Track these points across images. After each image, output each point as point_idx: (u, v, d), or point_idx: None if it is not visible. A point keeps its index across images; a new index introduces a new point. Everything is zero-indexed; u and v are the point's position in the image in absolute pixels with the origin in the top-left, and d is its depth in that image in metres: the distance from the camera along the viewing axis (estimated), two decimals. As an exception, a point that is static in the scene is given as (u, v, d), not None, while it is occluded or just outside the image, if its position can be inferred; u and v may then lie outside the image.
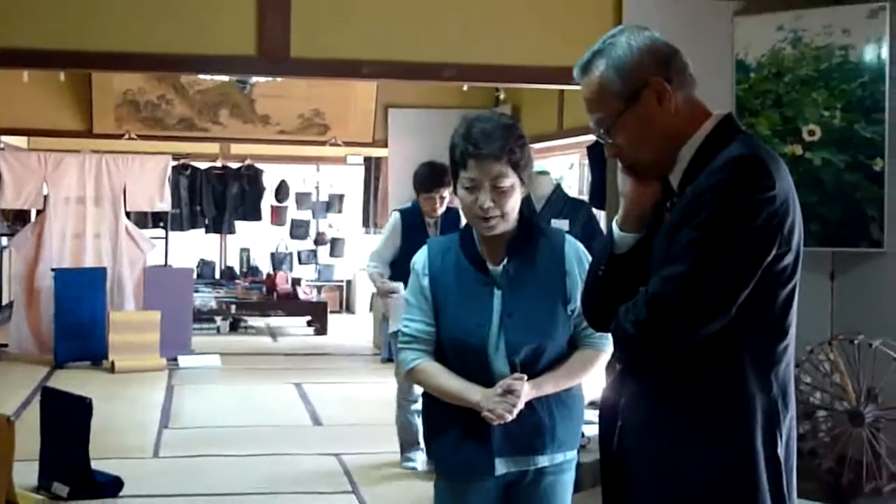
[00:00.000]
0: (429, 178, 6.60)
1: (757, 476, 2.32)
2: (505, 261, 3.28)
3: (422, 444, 6.49)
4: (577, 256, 3.33)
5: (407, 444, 6.99)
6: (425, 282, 3.33)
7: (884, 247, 5.02)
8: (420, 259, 3.38)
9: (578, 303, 3.23)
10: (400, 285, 6.27)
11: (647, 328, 2.32)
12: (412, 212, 6.80)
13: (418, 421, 6.58)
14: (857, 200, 5.03)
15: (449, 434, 3.30)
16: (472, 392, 3.18)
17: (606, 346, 3.27)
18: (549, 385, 3.22)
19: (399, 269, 6.35)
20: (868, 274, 5.17)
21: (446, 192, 6.47)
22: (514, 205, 3.22)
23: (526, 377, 3.15)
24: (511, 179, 3.19)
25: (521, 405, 3.11)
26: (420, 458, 6.86)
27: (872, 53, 4.99)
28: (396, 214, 6.92)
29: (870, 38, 4.97)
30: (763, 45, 5.13)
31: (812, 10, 5.09)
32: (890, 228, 4.99)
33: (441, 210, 6.62)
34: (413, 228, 6.64)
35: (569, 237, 3.42)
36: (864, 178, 5.01)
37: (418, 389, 6.27)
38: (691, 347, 2.31)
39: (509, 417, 3.11)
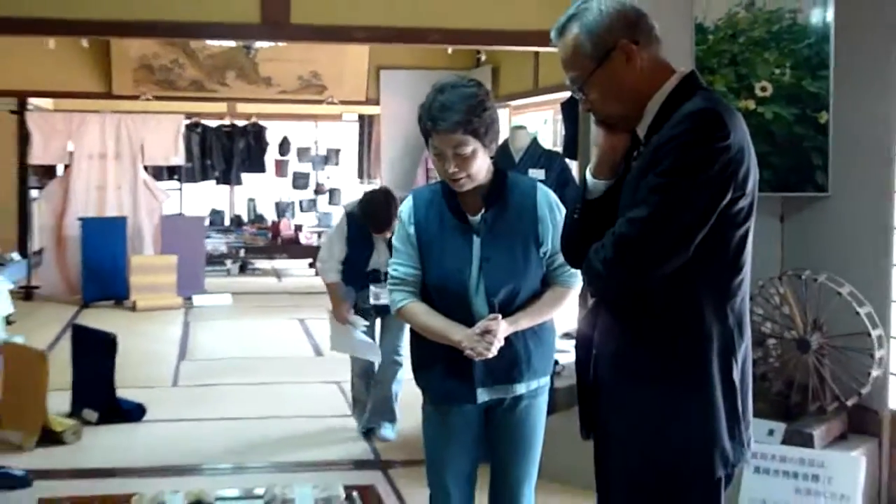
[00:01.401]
0: (373, 222, 5.68)
1: (713, 397, 2.34)
2: (483, 211, 3.26)
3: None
4: (549, 203, 3.31)
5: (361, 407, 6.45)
6: (411, 230, 3.31)
7: (828, 191, 5.04)
8: (406, 209, 3.35)
9: (549, 245, 3.27)
10: (360, 321, 5.86)
11: (613, 266, 2.32)
12: (359, 219, 5.86)
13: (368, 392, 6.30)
14: (804, 150, 5.03)
15: (435, 367, 3.31)
16: (453, 331, 3.19)
17: (575, 283, 3.30)
18: (525, 321, 3.23)
19: (349, 271, 5.94)
20: (814, 216, 5.18)
21: (393, 227, 5.12)
22: (479, 166, 3.19)
23: (501, 317, 3.16)
24: (472, 146, 3.13)
25: (499, 343, 3.12)
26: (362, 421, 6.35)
27: (819, 16, 4.98)
28: (344, 218, 6.04)
29: (816, 2, 4.96)
30: (720, 9, 5.11)
31: (765, -23, 5.07)
32: (833, 175, 5.00)
33: (391, 234, 5.21)
34: (360, 238, 5.87)
35: (540, 186, 3.39)
36: (810, 130, 5.01)
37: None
38: (655, 282, 2.32)
39: (489, 355, 3.12)
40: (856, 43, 4.94)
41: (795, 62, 4.99)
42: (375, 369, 6.18)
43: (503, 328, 3.15)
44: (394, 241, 3.39)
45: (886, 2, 4.78)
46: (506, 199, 3.28)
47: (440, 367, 3.27)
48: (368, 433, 6.24)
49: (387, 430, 6.20)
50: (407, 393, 5.85)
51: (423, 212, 3.32)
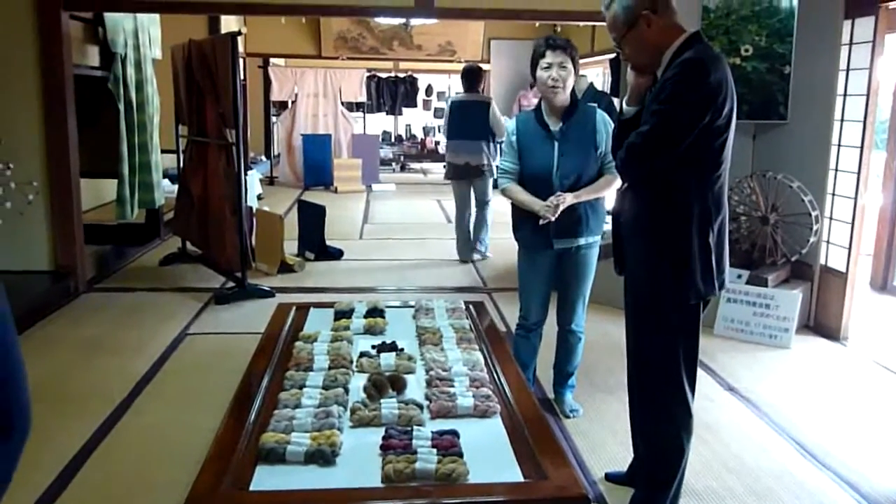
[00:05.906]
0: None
1: (691, 250, 2.30)
2: (561, 124, 3.22)
3: (476, 244, 6.59)
4: (603, 121, 3.25)
5: (465, 242, 6.61)
6: (513, 138, 3.29)
7: (787, 120, 4.85)
8: (511, 125, 3.33)
9: (603, 147, 3.22)
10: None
11: (626, 161, 2.32)
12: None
13: (471, 229, 6.64)
14: (772, 92, 4.83)
15: (527, 226, 3.30)
16: (534, 204, 3.19)
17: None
18: (585, 195, 3.20)
19: None
20: (776, 136, 4.99)
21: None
22: (570, 82, 3.18)
23: (564, 194, 3.14)
24: (569, 65, 3.15)
25: (561, 210, 3.12)
26: (478, 249, 6.69)
27: (787, 1, 4.72)
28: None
29: (787, -9, 4.69)
30: (719, -4, 4.86)
31: (751, -27, 4.81)
32: (791, 109, 4.82)
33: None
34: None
35: (599, 111, 3.33)
36: (777, 78, 4.79)
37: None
38: (658, 174, 2.27)
39: (552, 218, 3.12)
40: (811, 20, 4.70)
41: (770, 32, 4.75)
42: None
43: (569, 200, 3.13)
44: (502, 146, 3.37)
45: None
46: (576, 117, 3.22)
47: (530, 226, 3.27)
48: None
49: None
50: (506, 242, 5.93)
51: (522, 127, 3.29)
